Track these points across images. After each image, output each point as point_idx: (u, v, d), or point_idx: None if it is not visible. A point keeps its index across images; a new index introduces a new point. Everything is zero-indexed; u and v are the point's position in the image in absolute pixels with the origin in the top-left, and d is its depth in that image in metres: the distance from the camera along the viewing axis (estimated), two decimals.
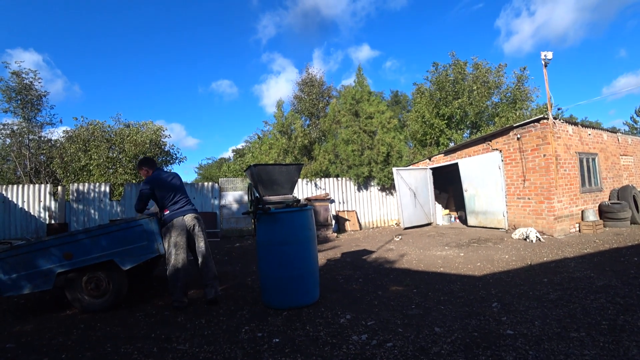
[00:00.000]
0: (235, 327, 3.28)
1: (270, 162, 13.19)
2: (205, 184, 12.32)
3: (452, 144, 13.95)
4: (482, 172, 9.53)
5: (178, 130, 66.63)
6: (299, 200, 4.34)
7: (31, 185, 10.99)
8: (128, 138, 13.40)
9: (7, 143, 13.44)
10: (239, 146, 25.93)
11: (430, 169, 11.86)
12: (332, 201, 12.18)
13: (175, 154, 15.88)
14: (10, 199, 10.60)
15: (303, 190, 12.37)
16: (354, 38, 76.93)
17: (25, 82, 12.62)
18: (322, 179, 12.63)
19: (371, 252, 7.21)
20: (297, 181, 4.51)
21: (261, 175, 4.17)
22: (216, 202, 11.94)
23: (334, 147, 13.46)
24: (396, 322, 3.18)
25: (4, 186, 10.83)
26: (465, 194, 10.15)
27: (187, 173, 66.05)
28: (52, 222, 10.79)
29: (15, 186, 10.85)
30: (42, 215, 10.83)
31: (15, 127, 13.01)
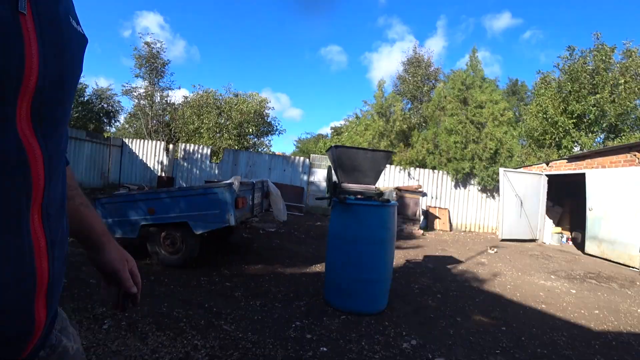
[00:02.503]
0: (287, 319, 3.05)
1: (364, 144, 12.74)
2: (298, 158, 12.60)
3: (577, 149, 11.38)
4: (618, 190, 7.47)
5: (283, 100, 68.87)
6: (382, 193, 3.83)
7: (150, 141, 12.73)
8: (235, 107, 14.53)
9: (140, 104, 15.77)
10: (339, 123, 25.91)
11: (546, 175, 9.89)
12: (424, 194, 11.22)
13: (276, 125, 16.75)
14: (134, 151, 12.47)
15: (394, 178, 11.69)
16: (495, 2, 64.28)
17: (153, 51, 14.46)
18: (417, 169, 11.76)
19: (458, 261, 6.31)
20: (382, 170, 3.99)
21: (342, 158, 3.76)
22: (305, 177, 12.14)
23: (434, 136, 12.29)
24: None
25: (131, 140, 12.78)
26: (588, 213, 8.18)
27: (286, 144, 68.93)
28: (163, 174, 12.39)
29: (138, 140, 12.70)
30: (156, 167, 12.50)
31: (142, 91, 15.13)
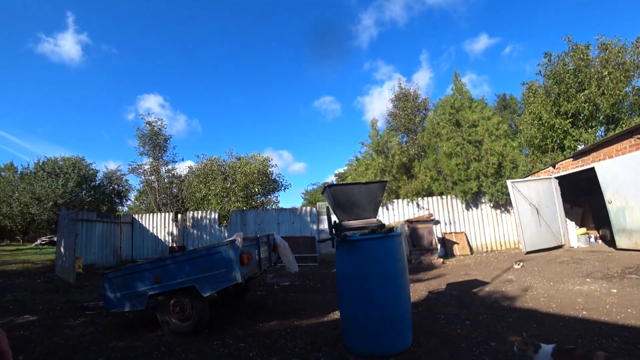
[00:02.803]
0: None
1: None
2: (304, 208, 12.59)
3: (581, 147, 11.22)
4: (633, 177, 7.21)
5: (286, 157, 70.65)
6: (383, 225, 3.73)
7: (158, 214, 12.94)
8: (239, 169, 14.95)
9: (147, 180, 16.33)
10: (342, 169, 26.29)
11: (556, 178, 9.65)
12: (437, 222, 10.93)
13: (281, 182, 17.07)
14: (144, 225, 12.62)
15: (404, 211, 11.49)
16: (470, 28, 68.31)
17: (155, 129, 15.32)
18: (425, 198, 11.58)
19: (484, 283, 5.95)
20: (380, 201, 3.92)
21: (338, 196, 3.73)
22: (315, 226, 12.02)
23: (435, 162, 12.28)
24: None
25: (140, 215, 13.01)
26: (609, 206, 7.83)
27: (295, 199, 69.25)
28: (174, 244, 12.39)
29: (147, 215, 12.92)
30: (167, 239, 12.55)
31: (147, 167, 15.76)
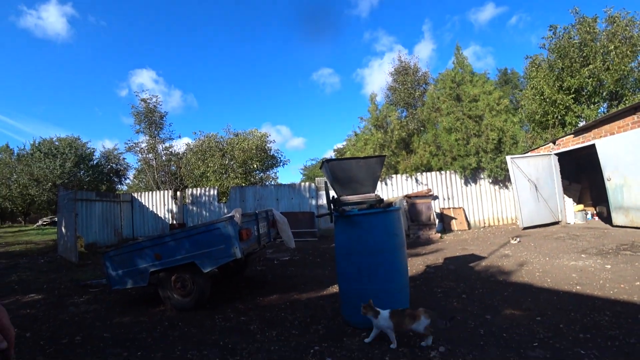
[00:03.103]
0: (305, 345, 2.89)
1: None
2: (303, 184, 12.58)
3: (582, 123, 11.10)
4: (633, 154, 7.18)
5: (284, 132, 69.45)
6: (382, 200, 3.73)
7: (157, 192, 12.93)
8: (237, 145, 14.81)
9: (144, 158, 16.21)
10: (341, 145, 26.06)
11: (556, 154, 9.60)
12: (436, 198, 10.98)
13: (280, 158, 16.98)
14: (143, 203, 12.65)
15: (403, 186, 11.52)
16: None
17: (150, 106, 15.03)
18: (424, 173, 11.58)
19: (481, 258, 6.04)
20: (379, 176, 3.89)
21: (336, 171, 3.70)
22: (314, 202, 12.06)
23: (434, 137, 12.19)
24: None
25: (139, 193, 13.01)
26: (607, 183, 7.84)
27: (294, 174, 68.42)
28: (174, 222, 12.46)
29: (146, 193, 12.91)
30: (166, 216, 12.60)
31: (144, 145, 15.61)
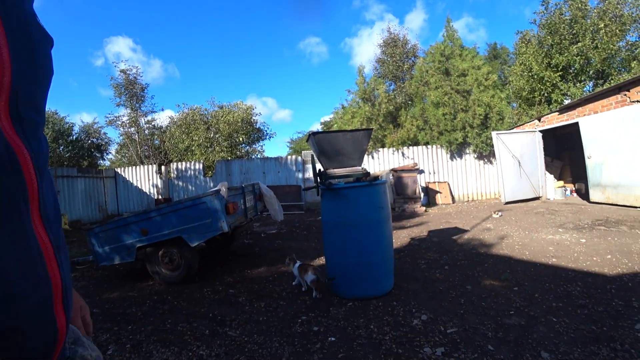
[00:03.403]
0: (292, 315, 2.97)
1: None
2: (290, 157, 12.50)
3: (568, 101, 11.26)
4: (615, 133, 7.36)
5: (270, 104, 66.99)
6: (368, 173, 3.75)
7: (141, 166, 12.65)
8: (222, 118, 14.45)
9: (126, 132, 15.70)
10: (328, 117, 25.71)
11: (540, 131, 9.77)
12: (421, 172, 11.14)
13: (266, 130, 16.72)
14: (127, 179, 12.40)
15: (389, 160, 11.61)
16: None
17: (130, 77, 14.38)
18: (410, 147, 11.68)
19: (463, 231, 6.23)
20: (366, 150, 3.90)
21: (323, 144, 3.68)
22: (300, 175, 12.06)
23: (422, 111, 12.18)
24: (486, 333, 2.44)
25: (122, 168, 12.71)
26: (587, 161, 8.08)
27: (280, 148, 66.86)
28: (159, 197, 12.32)
29: (129, 168, 12.62)
30: (152, 191, 12.43)
31: (126, 119, 15.06)
